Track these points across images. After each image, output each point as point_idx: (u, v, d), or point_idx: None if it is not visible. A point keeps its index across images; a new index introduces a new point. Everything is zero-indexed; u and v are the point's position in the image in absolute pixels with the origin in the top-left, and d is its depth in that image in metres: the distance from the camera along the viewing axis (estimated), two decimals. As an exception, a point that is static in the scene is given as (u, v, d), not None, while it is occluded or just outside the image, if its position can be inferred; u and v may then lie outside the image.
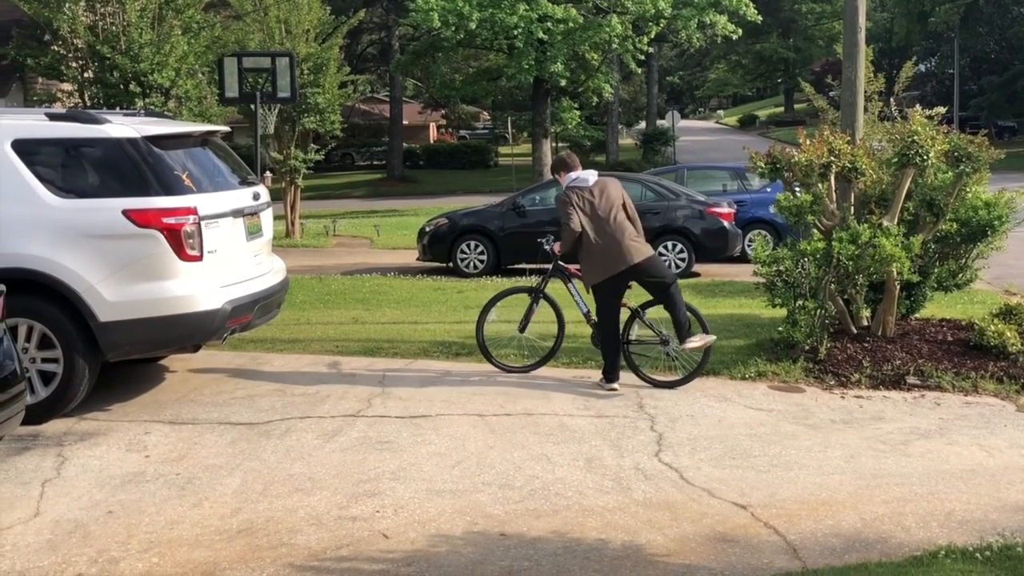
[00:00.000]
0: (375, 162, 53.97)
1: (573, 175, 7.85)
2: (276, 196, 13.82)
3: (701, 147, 53.56)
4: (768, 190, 16.69)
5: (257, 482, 5.67)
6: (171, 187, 6.86)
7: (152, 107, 14.84)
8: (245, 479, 5.72)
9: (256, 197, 7.82)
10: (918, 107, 9.21)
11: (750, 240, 16.58)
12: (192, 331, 7.01)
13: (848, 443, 6.40)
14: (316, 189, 36.07)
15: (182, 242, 6.78)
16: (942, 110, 9.86)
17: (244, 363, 8.56)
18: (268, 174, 19.83)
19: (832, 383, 7.82)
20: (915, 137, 8.29)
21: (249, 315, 7.34)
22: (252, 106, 18.39)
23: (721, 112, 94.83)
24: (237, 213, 7.42)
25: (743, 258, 15.64)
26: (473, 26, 27.77)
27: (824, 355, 8.16)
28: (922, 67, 54.05)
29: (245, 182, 7.89)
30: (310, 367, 8.45)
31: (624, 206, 7.76)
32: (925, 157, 8.29)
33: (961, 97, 52.19)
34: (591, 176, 7.83)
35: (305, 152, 21.82)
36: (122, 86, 15.27)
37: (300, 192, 22.77)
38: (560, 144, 47.09)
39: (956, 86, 52.72)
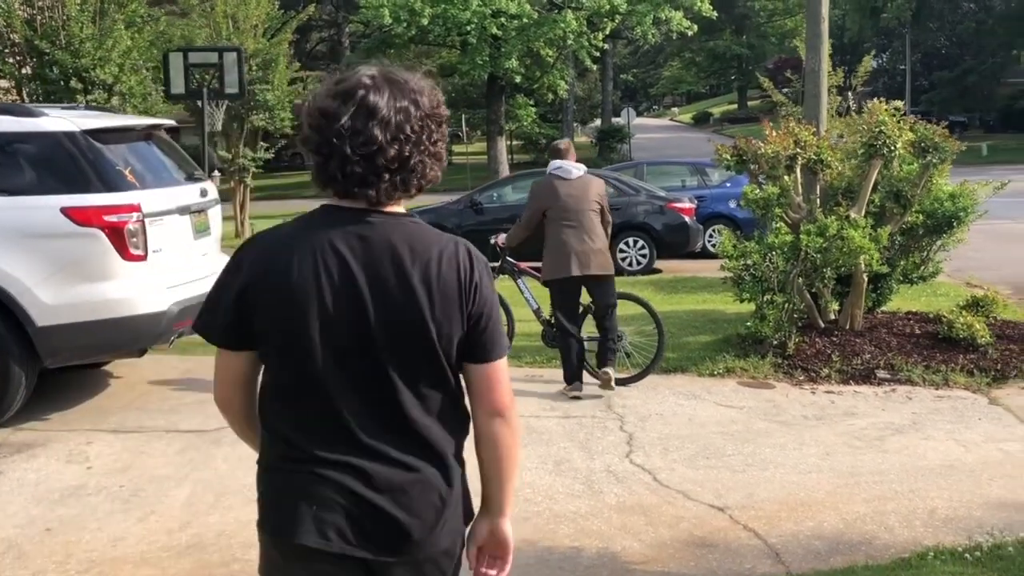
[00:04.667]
0: (327, 162, 53.24)
1: (556, 163, 7.43)
2: (225, 196, 13.41)
3: (656, 144, 53.49)
4: (727, 185, 16.58)
5: (208, 493, 5.35)
6: (113, 183, 6.49)
7: (95, 103, 14.35)
8: (195, 490, 5.40)
9: (203, 194, 7.47)
10: (876, 100, 9.08)
11: (711, 235, 16.45)
12: (137, 335, 6.65)
13: (823, 440, 6.22)
14: (266, 189, 35.50)
15: (125, 241, 6.41)
16: (900, 104, 9.75)
17: (193, 367, 8.17)
18: (216, 174, 19.35)
19: (802, 378, 7.66)
20: (882, 128, 8.17)
21: (197, 317, 7.00)
22: (199, 103, 17.90)
23: (675, 110, 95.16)
24: (183, 210, 7.07)
25: (704, 254, 15.50)
26: (425, 22, 27.50)
27: (793, 350, 8.00)
28: (874, 63, 54.60)
29: (192, 178, 7.54)
30: (263, 370, 8.10)
31: (601, 211, 7.35)
32: (892, 148, 8.18)
33: (913, 92, 52.72)
34: (575, 169, 7.38)
35: (254, 151, 21.37)
36: (63, 82, 14.72)
37: (250, 192, 22.30)
38: (515, 142, 46.94)
39: (908, 81, 53.31)
